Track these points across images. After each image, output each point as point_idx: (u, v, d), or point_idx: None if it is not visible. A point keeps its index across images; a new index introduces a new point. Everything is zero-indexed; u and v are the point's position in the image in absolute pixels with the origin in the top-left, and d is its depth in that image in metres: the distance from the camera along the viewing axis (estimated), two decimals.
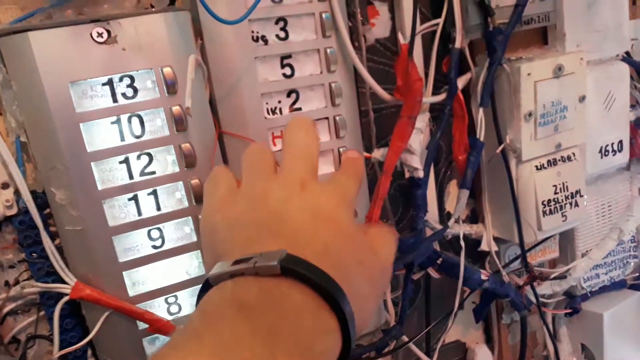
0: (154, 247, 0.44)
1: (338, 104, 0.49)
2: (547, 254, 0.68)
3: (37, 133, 0.40)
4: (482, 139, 0.56)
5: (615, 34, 0.63)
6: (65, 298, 0.42)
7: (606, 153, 0.66)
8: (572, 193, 0.61)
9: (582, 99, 0.59)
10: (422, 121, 0.55)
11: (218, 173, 0.33)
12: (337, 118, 0.50)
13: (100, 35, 0.39)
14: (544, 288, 0.66)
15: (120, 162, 0.42)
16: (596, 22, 0.61)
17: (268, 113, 0.47)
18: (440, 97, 0.55)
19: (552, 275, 0.64)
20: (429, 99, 0.54)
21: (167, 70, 0.41)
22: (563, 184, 0.60)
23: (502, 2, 0.56)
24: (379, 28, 0.55)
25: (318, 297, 0.25)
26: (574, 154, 0.60)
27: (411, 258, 0.54)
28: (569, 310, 0.70)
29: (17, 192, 0.41)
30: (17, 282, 0.42)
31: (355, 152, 0.37)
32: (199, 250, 0.45)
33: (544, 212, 0.59)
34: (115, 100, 0.40)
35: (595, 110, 0.63)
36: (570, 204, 0.61)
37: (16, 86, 0.39)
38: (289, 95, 0.47)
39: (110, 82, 0.40)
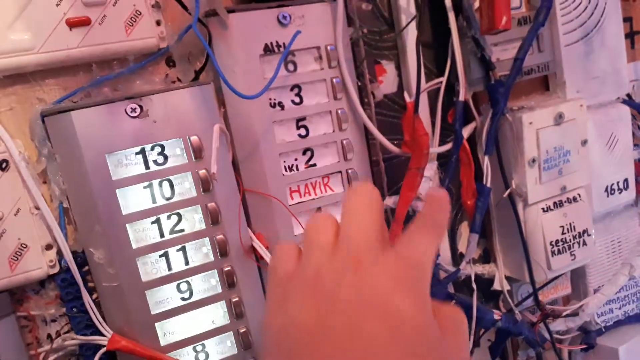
0: (183, 299, 0.47)
1: (350, 158, 0.53)
2: (560, 291, 0.70)
3: (78, 199, 0.44)
4: (488, 184, 0.59)
5: (614, 78, 0.66)
6: (103, 350, 0.45)
7: (612, 192, 0.68)
8: (579, 233, 0.63)
9: (584, 142, 0.62)
10: (431, 169, 0.58)
11: (274, 259, 0.30)
12: (350, 171, 0.53)
13: (133, 110, 0.43)
14: (557, 324, 0.68)
15: (152, 222, 0.45)
16: (594, 69, 0.64)
17: (286, 170, 0.51)
18: (447, 146, 0.58)
19: (565, 313, 0.65)
20: (436, 149, 0.58)
21: (194, 138, 0.45)
22: (570, 224, 0.62)
23: (503, 55, 0.60)
24: (387, 84, 0.58)
25: None
26: (579, 195, 0.63)
27: None
28: (584, 346, 0.71)
29: (59, 252, 0.45)
30: (58, 335, 0.46)
31: (442, 192, 0.31)
32: (224, 301, 0.48)
33: (553, 252, 0.61)
34: (147, 167, 0.44)
35: (598, 152, 0.66)
36: (579, 243, 0.63)
37: (60, 158, 0.43)
38: (304, 153, 0.51)
39: (142, 151, 0.44)
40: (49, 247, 0.44)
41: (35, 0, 0.41)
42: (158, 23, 0.45)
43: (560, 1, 0.62)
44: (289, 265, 0.29)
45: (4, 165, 0.42)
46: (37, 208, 0.43)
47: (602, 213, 0.68)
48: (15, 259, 0.43)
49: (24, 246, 0.43)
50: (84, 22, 0.43)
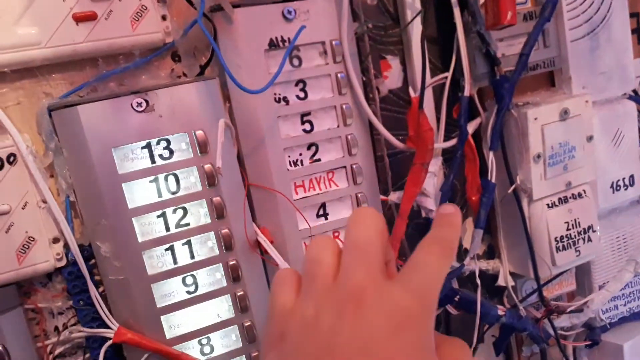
0: (188, 292, 0.48)
1: (354, 153, 0.53)
2: (564, 287, 0.70)
3: (84, 193, 0.44)
4: (493, 180, 0.59)
5: (620, 74, 0.66)
6: (109, 342, 0.46)
7: (618, 188, 0.68)
8: (584, 229, 0.63)
9: (590, 138, 0.61)
10: (436, 165, 0.58)
11: (274, 287, 0.29)
12: (354, 166, 0.53)
13: (139, 104, 0.43)
14: (562, 321, 0.68)
15: (158, 216, 0.46)
16: (600, 65, 0.64)
17: (290, 165, 0.51)
18: (452, 142, 0.58)
19: (569, 309, 0.65)
20: (440, 144, 0.58)
21: (199, 133, 0.45)
22: (575, 220, 0.62)
23: (508, 50, 0.60)
24: (392, 80, 0.58)
25: None
26: (584, 191, 0.63)
27: None
28: (588, 342, 0.71)
29: (66, 246, 0.45)
30: (65, 327, 0.47)
31: (451, 207, 0.30)
32: (229, 294, 0.49)
33: (557, 248, 0.61)
34: (153, 162, 0.45)
35: (604, 148, 0.66)
36: (583, 239, 0.63)
37: (66, 152, 0.44)
38: (309, 148, 0.51)
39: (148, 146, 0.44)
40: (56, 240, 0.45)
41: None
42: (164, 18, 0.46)
43: None
44: (288, 297, 0.28)
45: (11, 159, 0.42)
46: (45, 202, 0.44)
47: (607, 209, 0.68)
48: (23, 252, 0.43)
49: (32, 239, 0.43)
50: (91, 17, 0.43)
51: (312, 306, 0.26)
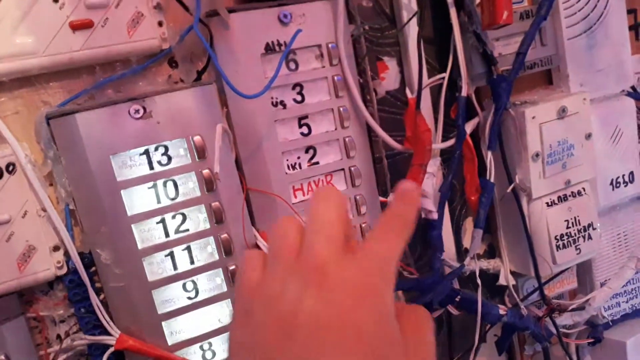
0: (189, 298, 0.48)
1: (352, 155, 0.53)
2: (566, 285, 0.70)
3: (84, 201, 0.44)
4: (492, 179, 0.59)
5: (618, 71, 0.66)
6: (111, 349, 0.46)
7: (617, 185, 0.68)
8: (584, 227, 0.63)
9: (589, 136, 0.62)
10: (434, 165, 0.58)
11: (241, 267, 0.31)
12: (352, 169, 0.53)
13: (137, 111, 0.44)
14: (564, 319, 0.68)
15: (157, 223, 0.46)
16: (598, 62, 0.64)
17: (288, 168, 0.51)
18: (450, 142, 0.58)
19: (571, 307, 0.65)
20: (438, 145, 0.58)
21: (197, 138, 0.45)
22: (575, 218, 0.62)
23: (505, 50, 0.60)
24: (389, 81, 0.59)
25: None
26: (584, 189, 0.63)
27: (430, 297, 0.57)
28: (591, 340, 0.71)
29: (66, 254, 0.45)
30: (67, 335, 0.47)
31: (411, 184, 0.32)
32: (229, 299, 0.49)
33: (557, 247, 0.61)
34: (151, 168, 0.45)
35: (603, 145, 0.66)
36: (584, 237, 0.63)
37: (65, 160, 0.44)
38: (307, 151, 0.52)
39: (147, 152, 0.45)
40: (56, 248, 0.45)
41: (39, 4, 0.42)
42: (160, 24, 0.46)
43: None
44: (254, 275, 0.29)
45: (10, 168, 0.42)
46: (44, 210, 0.44)
47: (607, 206, 0.68)
48: (24, 260, 0.43)
49: (32, 248, 0.43)
50: (87, 25, 0.43)
51: (277, 281, 0.27)
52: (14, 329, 0.44)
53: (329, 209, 0.28)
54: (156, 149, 0.45)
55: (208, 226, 0.47)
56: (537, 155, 0.58)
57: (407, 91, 0.55)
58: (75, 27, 0.43)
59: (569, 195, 0.62)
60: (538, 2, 0.59)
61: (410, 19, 0.55)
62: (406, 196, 0.30)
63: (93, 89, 0.45)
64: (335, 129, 0.52)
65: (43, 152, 0.44)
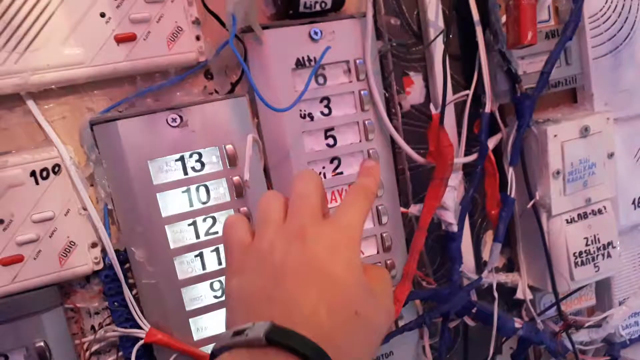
0: (215, 297, 0.50)
1: None
2: (584, 302, 0.70)
3: (122, 201, 0.48)
4: (513, 195, 0.60)
5: None
6: (141, 342, 0.49)
7: None
8: (604, 245, 0.63)
9: (611, 155, 0.62)
10: (456, 179, 0.60)
11: (228, 229, 0.36)
12: None
13: (174, 120, 0.46)
14: (581, 335, 0.68)
15: (189, 225, 0.49)
16: (622, 82, 0.65)
17: None
18: (472, 157, 0.60)
19: (587, 324, 0.66)
20: (461, 159, 0.59)
21: (229, 147, 0.48)
22: (594, 236, 0.63)
23: (530, 68, 0.61)
24: (414, 95, 0.60)
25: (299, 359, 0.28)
26: (604, 207, 0.63)
27: (447, 307, 0.59)
28: (607, 358, 0.71)
29: (103, 250, 0.48)
30: (101, 327, 0.50)
31: (372, 161, 0.41)
32: None
33: (576, 263, 0.62)
34: (185, 173, 0.48)
35: (626, 164, 0.66)
36: (603, 255, 0.64)
37: (106, 163, 0.47)
38: (332, 161, 0.54)
39: (182, 159, 0.47)
40: (94, 245, 0.48)
41: (87, 18, 0.45)
42: (197, 38, 0.49)
43: (590, 15, 0.62)
44: (244, 235, 0.35)
45: (56, 169, 0.46)
46: (85, 209, 0.47)
47: (628, 226, 0.68)
48: (65, 255, 0.46)
49: (73, 244, 0.47)
50: (130, 38, 0.46)
51: (266, 242, 0.33)
52: (53, 318, 0.47)
53: (309, 185, 0.36)
54: (190, 155, 0.48)
55: None
56: (557, 172, 0.59)
57: (432, 107, 0.56)
58: (120, 40, 0.46)
59: (589, 213, 0.63)
60: (564, 22, 0.60)
61: (436, 37, 0.57)
62: (367, 171, 0.39)
63: (134, 97, 0.48)
64: (360, 141, 0.54)
65: (86, 155, 0.47)
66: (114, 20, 0.46)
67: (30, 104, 0.46)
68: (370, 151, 0.54)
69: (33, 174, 0.45)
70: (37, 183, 0.45)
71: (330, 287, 0.31)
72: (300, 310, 0.30)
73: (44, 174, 0.45)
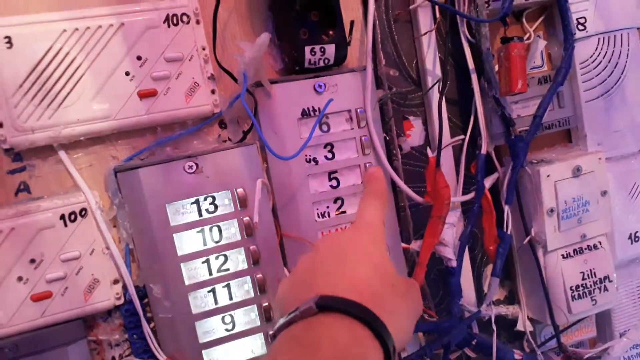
0: (227, 330, 0.54)
1: None
2: (585, 334, 0.72)
3: (142, 241, 0.52)
4: (509, 231, 0.63)
5: (634, 132, 0.69)
6: None
7: (636, 239, 0.70)
8: (600, 279, 0.66)
9: (604, 193, 0.65)
10: (454, 216, 0.63)
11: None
12: None
13: (190, 167, 0.51)
14: None
15: (203, 262, 0.53)
16: (615, 123, 0.68)
17: (318, 217, 0.57)
18: (469, 196, 0.63)
19: (587, 355, 0.68)
20: (459, 198, 0.63)
21: (240, 190, 0.52)
22: (590, 270, 0.65)
23: (523, 112, 0.65)
24: (414, 138, 0.64)
25: (349, 317, 0.33)
26: (600, 243, 0.66)
27: (448, 339, 0.61)
28: None
29: (124, 287, 0.52)
30: (121, 358, 0.54)
31: (375, 168, 0.49)
32: (262, 333, 0.55)
33: (573, 297, 0.65)
34: (200, 215, 0.52)
35: (621, 201, 0.69)
36: (599, 288, 0.66)
37: (128, 207, 0.51)
38: (335, 201, 0.58)
39: (197, 202, 0.52)
40: (116, 281, 0.52)
41: (113, 77, 0.50)
42: (213, 92, 0.53)
43: (581, 61, 0.66)
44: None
45: (83, 212, 0.50)
46: (108, 248, 0.51)
47: (625, 259, 0.71)
48: (89, 291, 0.51)
49: (96, 281, 0.51)
50: (152, 94, 0.51)
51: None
52: (78, 350, 0.51)
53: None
54: (205, 199, 0.52)
55: (246, 266, 0.54)
56: (551, 210, 0.62)
57: (428, 150, 0.60)
58: (142, 95, 0.51)
59: (585, 249, 0.65)
60: (557, 68, 0.64)
61: (433, 85, 0.61)
62: (373, 177, 0.45)
63: (154, 146, 0.53)
64: (362, 182, 0.58)
65: (110, 199, 0.52)
66: (137, 78, 0.51)
67: (62, 154, 0.50)
68: None
69: (62, 217, 0.50)
70: (65, 225, 0.50)
71: (364, 265, 0.37)
72: (342, 282, 0.35)
73: (72, 217, 0.50)
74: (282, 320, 0.35)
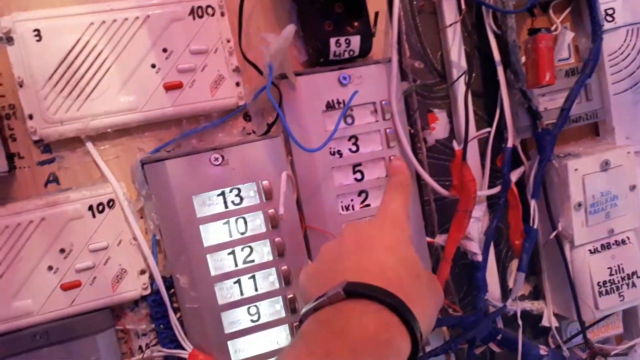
0: (252, 320, 0.54)
1: None
2: (611, 330, 0.71)
3: (168, 233, 0.52)
4: (535, 226, 0.62)
5: None
6: None
7: None
8: (628, 274, 0.65)
9: (633, 187, 0.64)
10: (480, 210, 0.62)
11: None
12: None
13: (216, 159, 0.51)
14: None
15: (229, 254, 0.53)
16: None
17: (342, 209, 0.57)
18: (495, 190, 0.62)
19: (614, 352, 0.67)
20: (484, 192, 0.62)
21: (265, 182, 0.52)
22: (618, 266, 0.64)
23: (550, 104, 0.64)
24: (439, 130, 0.64)
25: (377, 303, 0.33)
26: (628, 238, 0.65)
27: (473, 334, 0.61)
28: None
29: (151, 277, 0.53)
30: (147, 347, 0.54)
31: (398, 160, 0.50)
32: (287, 324, 0.55)
33: (600, 293, 0.64)
34: (226, 207, 0.52)
35: None
36: (627, 284, 0.65)
37: (155, 198, 0.52)
38: (359, 194, 0.57)
39: (223, 194, 0.52)
40: (143, 272, 0.53)
41: (140, 69, 0.50)
42: (237, 84, 0.54)
43: (609, 52, 0.65)
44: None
45: (110, 203, 0.51)
46: (135, 239, 0.52)
47: None
48: (117, 281, 0.51)
49: (124, 271, 0.52)
50: (178, 86, 0.51)
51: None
52: (106, 338, 0.51)
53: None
54: (230, 191, 0.52)
55: (271, 258, 0.54)
56: (579, 205, 0.61)
57: (454, 143, 0.60)
58: (168, 87, 0.51)
59: (613, 244, 0.64)
60: (584, 60, 0.63)
61: (458, 77, 0.60)
62: (398, 169, 0.45)
63: (180, 138, 0.53)
64: (386, 175, 0.58)
65: (137, 190, 0.52)
66: (163, 70, 0.51)
67: (89, 145, 0.51)
68: None
69: (90, 208, 0.50)
70: (94, 216, 0.51)
71: (390, 254, 0.38)
72: (369, 269, 0.36)
73: (100, 208, 0.51)
74: (309, 306, 0.35)
